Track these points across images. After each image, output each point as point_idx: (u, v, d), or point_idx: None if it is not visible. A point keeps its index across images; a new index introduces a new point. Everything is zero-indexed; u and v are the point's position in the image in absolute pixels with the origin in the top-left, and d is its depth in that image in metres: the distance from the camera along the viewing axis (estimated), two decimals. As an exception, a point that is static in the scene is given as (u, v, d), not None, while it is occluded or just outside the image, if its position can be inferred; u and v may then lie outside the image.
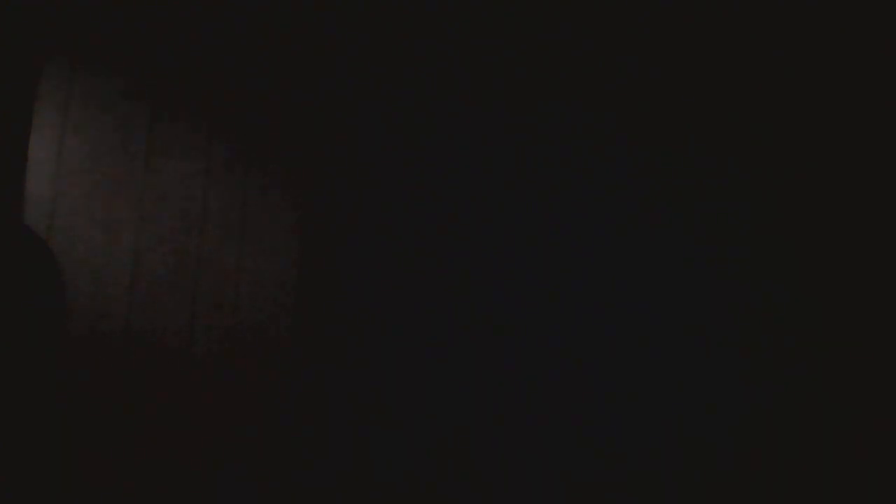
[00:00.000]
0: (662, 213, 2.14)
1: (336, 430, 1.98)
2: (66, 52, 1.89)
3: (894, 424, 2.02)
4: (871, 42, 2.16)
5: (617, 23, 2.19)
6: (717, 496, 2.04)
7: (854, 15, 2.17)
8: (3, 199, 1.75)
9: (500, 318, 2.08)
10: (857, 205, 2.13)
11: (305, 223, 2.05)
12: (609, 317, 2.11)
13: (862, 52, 2.17)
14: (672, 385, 2.08)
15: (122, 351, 1.84)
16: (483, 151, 2.15)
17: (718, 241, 2.14)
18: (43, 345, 1.74)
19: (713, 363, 2.10)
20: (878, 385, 2.05)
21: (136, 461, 1.81)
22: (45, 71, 1.86)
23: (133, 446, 1.82)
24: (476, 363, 2.05)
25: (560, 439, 2.05)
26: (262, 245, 2.01)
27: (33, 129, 1.83)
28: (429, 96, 2.15)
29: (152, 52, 1.97)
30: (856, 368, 2.07)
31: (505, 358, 2.06)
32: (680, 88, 2.19)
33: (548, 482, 2.03)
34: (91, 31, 1.92)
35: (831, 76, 2.19)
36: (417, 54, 2.16)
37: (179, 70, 1.99)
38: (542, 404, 2.06)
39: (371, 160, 2.10)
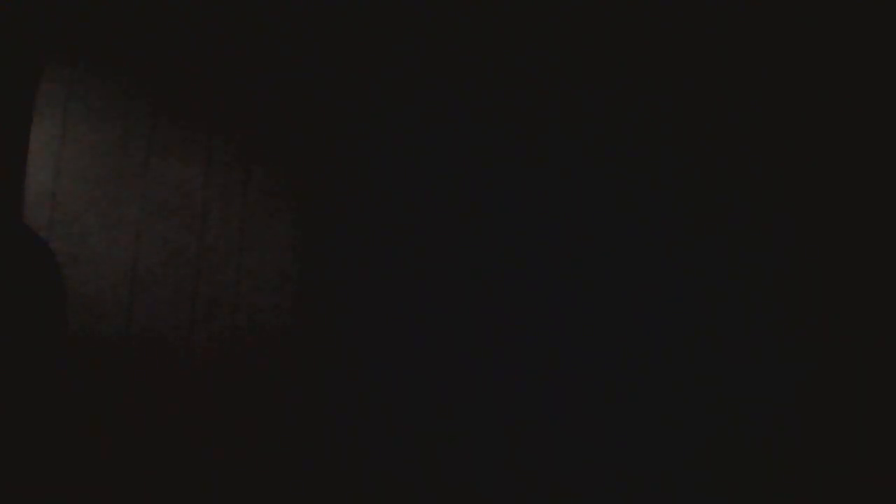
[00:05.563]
0: (658, 210, 2.14)
1: (336, 429, 1.98)
2: (66, 52, 1.89)
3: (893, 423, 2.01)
4: (870, 41, 2.15)
5: (618, 17, 2.19)
6: (718, 496, 2.03)
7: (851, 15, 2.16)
8: (3, 199, 1.75)
9: (499, 317, 2.08)
10: (860, 198, 2.12)
11: (305, 223, 2.05)
12: (608, 319, 2.11)
13: (860, 52, 2.17)
14: (672, 384, 2.08)
15: (122, 351, 1.84)
16: (483, 151, 2.15)
17: (717, 240, 2.14)
18: (43, 344, 1.74)
19: (712, 362, 2.09)
20: (880, 385, 2.05)
21: (136, 460, 1.81)
22: (45, 71, 1.86)
23: (133, 446, 1.82)
24: (476, 362, 2.05)
25: (560, 438, 2.05)
26: (262, 245, 2.01)
27: (33, 129, 1.83)
28: (429, 97, 2.15)
29: (152, 52, 1.97)
30: (857, 367, 2.07)
31: (505, 356, 2.06)
32: (680, 87, 2.19)
33: (547, 481, 2.03)
34: (91, 31, 1.92)
35: (833, 75, 2.19)
36: (418, 55, 2.16)
37: (179, 70, 1.99)
38: (542, 403, 2.06)
39: (371, 160, 2.10)
